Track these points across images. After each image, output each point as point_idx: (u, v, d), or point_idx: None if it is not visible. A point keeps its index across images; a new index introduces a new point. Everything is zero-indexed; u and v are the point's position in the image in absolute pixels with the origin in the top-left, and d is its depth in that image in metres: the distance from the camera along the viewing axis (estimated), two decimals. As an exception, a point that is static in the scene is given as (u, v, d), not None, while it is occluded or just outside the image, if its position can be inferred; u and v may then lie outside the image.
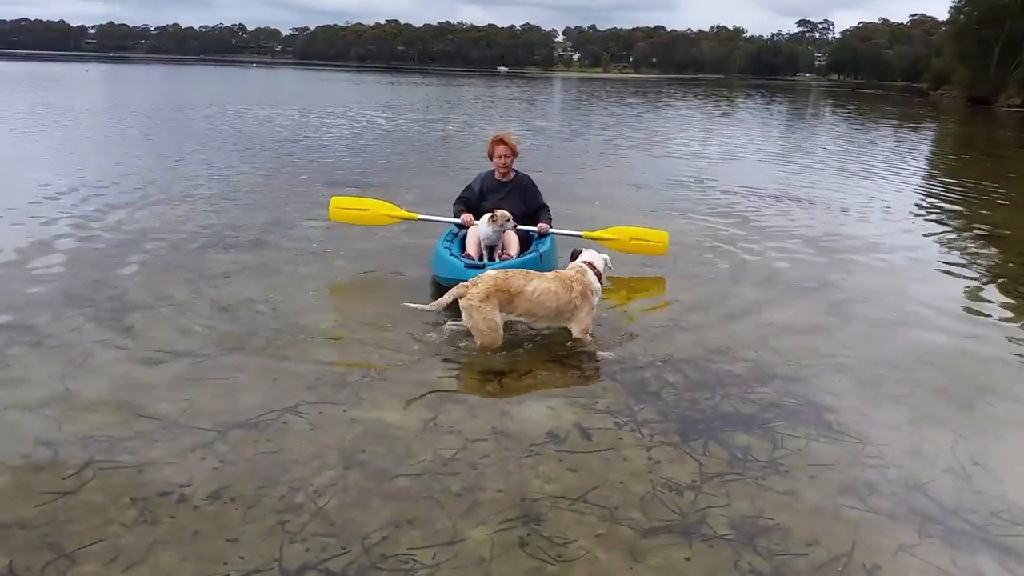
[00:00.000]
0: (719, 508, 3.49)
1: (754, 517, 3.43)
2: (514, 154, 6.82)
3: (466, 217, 6.67)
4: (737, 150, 20.33)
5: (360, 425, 4.12)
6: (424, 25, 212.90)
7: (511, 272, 5.21)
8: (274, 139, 17.99)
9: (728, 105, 47.69)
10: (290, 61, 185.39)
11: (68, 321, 5.49)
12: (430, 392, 4.54)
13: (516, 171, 6.97)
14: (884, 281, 7.46)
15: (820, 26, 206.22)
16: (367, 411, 4.28)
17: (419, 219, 7.16)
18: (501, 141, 6.76)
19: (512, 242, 6.46)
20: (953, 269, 8.11)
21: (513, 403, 4.47)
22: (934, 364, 5.38)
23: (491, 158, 6.88)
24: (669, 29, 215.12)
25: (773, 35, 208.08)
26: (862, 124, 34.42)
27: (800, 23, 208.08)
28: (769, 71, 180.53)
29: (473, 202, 6.85)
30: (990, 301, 6.96)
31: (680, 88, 75.57)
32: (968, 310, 6.68)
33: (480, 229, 6.40)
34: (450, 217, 6.90)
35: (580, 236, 7.00)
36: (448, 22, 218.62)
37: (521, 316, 5.20)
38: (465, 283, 5.15)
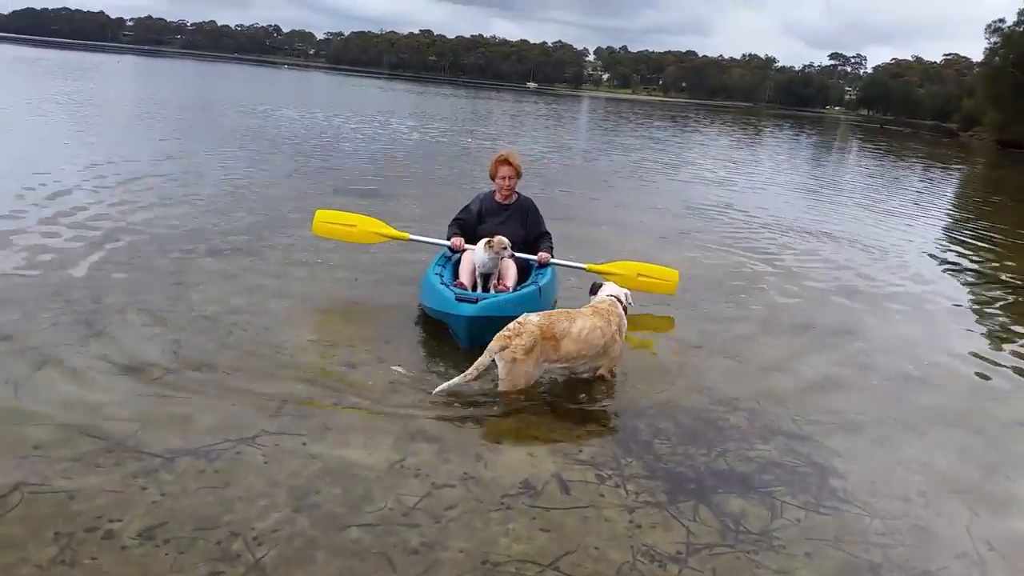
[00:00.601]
0: (704, 587, 3.13)
1: (741, 601, 3.06)
2: (518, 175, 6.41)
3: (456, 242, 6.20)
4: (763, 180, 19.93)
5: (319, 462, 3.78)
6: (457, 37, 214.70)
7: (552, 315, 4.83)
8: (293, 142, 17.80)
9: (756, 134, 47.27)
10: (322, 65, 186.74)
11: (38, 322, 5.22)
12: (402, 429, 4.18)
13: (518, 193, 6.54)
14: (908, 330, 7.04)
15: (852, 60, 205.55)
16: (329, 446, 3.93)
17: (410, 240, 6.60)
18: (506, 161, 6.32)
19: (510, 271, 5.98)
20: (983, 321, 7.70)
21: (490, 446, 4.11)
22: (954, 427, 4.98)
23: (493, 178, 6.46)
24: (701, 55, 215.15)
25: (805, 66, 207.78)
26: (892, 161, 33.89)
27: (832, 56, 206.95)
28: (798, 102, 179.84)
29: (470, 225, 6.39)
30: (1021, 357, 6.53)
31: (709, 114, 75.23)
32: (995, 365, 6.25)
33: (476, 255, 5.90)
34: (445, 240, 6.40)
35: (583, 269, 6.54)
36: (481, 35, 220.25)
37: (566, 362, 4.81)
38: (506, 332, 4.58)
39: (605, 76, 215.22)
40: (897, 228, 13.55)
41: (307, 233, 8.35)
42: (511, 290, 5.75)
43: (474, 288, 5.82)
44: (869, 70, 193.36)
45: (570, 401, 4.78)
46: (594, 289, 5.47)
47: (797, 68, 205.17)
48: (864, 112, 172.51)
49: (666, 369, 5.48)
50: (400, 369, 4.93)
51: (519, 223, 6.43)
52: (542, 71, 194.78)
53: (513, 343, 4.54)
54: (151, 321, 5.42)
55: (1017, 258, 11.69)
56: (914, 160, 35.99)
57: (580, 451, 4.13)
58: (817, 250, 10.58)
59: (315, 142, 18.17)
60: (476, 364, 4.54)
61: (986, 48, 65.21)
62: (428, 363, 5.14)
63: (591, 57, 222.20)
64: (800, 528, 3.62)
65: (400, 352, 5.27)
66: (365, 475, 3.70)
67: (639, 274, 6.60)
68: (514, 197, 6.49)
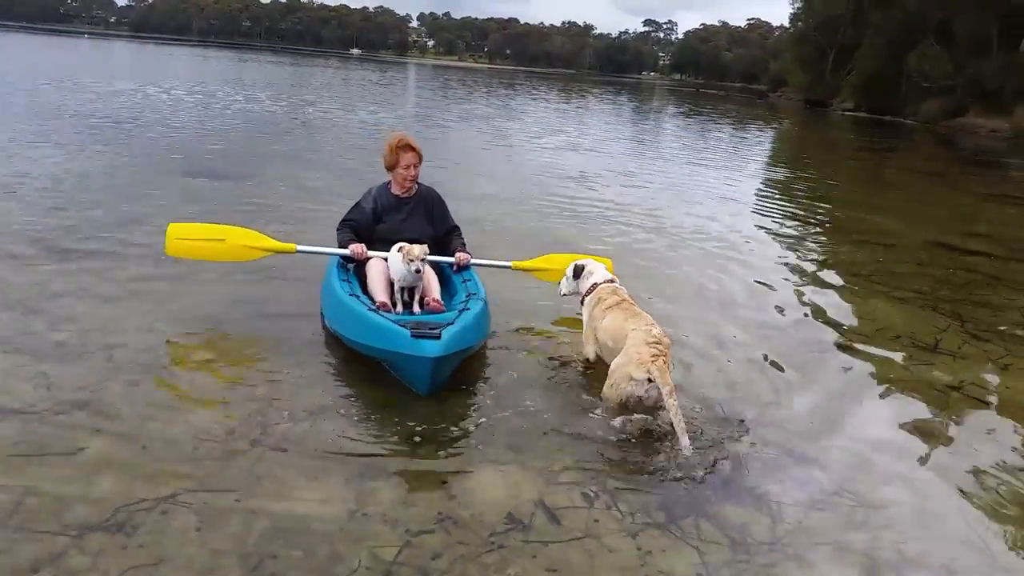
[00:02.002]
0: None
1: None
2: (421, 161, 5.45)
3: (358, 249, 5.18)
4: (599, 144, 20.11)
5: (264, 519, 3.12)
6: (272, 1, 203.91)
7: (649, 320, 4.35)
8: (120, 119, 15.80)
9: (583, 98, 48.11)
10: (126, 33, 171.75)
11: None
12: (347, 468, 3.55)
13: (419, 184, 5.58)
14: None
15: (664, 26, 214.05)
16: (269, 499, 3.27)
17: (297, 252, 5.42)
18: (408, 146, 5.31)
19: (434, 282, 5.11)
20: (790, 258, 7.94)
21: (455, 475, 3.57)
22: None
23: (391, 168, 5.40)
24: (523, 22, 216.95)
25: (620, 33, 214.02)
26: (716, 121, 35.41)
27: (646, 23, 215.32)
28: (616, 68, 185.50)
29: (364, 226, 5.39)
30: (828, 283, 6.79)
31: (539, 81, 75.95)
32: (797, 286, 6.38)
33: (394, 268, 4.95)
34: (336, 247, 5.40)
35: (509, 267, 5.74)
36: (298, 0, 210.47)
37: None
38: (651, 355, 3.95)
39: (430, 43, 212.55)
40: (740, 181, 14.01)
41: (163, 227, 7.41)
42: (456, 311, 4.72)
43: (396, 307, 4.95)
44: (680, 36, 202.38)
45: (517, 411, 4.22)
46: (578, 272, 5.03)
47: (614, 35, 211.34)
48: (677, 77, 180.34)
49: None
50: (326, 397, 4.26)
51: (425, 219, 5.51)
52: (365, 37, 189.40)
53: (660, 362, 3.94)
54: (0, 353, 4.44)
55: (829, 201, 12.38)
56: (733, 119, 37.96)
57: (555, 470, 3.67)
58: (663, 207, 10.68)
59: (144, 120, 16.18)
60: (671, 405, 3.78)
61: (791, 13, 69.69)
62: (355, 385, 4.46)
63: (415, 23, 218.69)
64: (805, 530, 3.39)
65: (315, 372, 4.57)
66: (325, 529, 3.10)
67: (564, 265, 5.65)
68: (414, 188, 5.54)
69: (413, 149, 5.34)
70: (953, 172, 22.23)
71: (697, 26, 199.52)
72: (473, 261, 5.48)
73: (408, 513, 3.26)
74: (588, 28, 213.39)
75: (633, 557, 3.11)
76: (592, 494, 3.51)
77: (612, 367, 4.16)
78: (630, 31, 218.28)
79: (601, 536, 3.22)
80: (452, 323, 4.29)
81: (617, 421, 4.06)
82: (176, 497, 3.20)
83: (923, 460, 4.15)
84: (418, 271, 4.79)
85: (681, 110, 46.28)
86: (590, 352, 4.72)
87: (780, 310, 6.55)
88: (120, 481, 3.28)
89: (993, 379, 5.33)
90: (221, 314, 5.35)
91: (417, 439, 3.85)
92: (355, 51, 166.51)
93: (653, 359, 3.94)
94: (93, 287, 5.64)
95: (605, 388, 4.15)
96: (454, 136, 19.10)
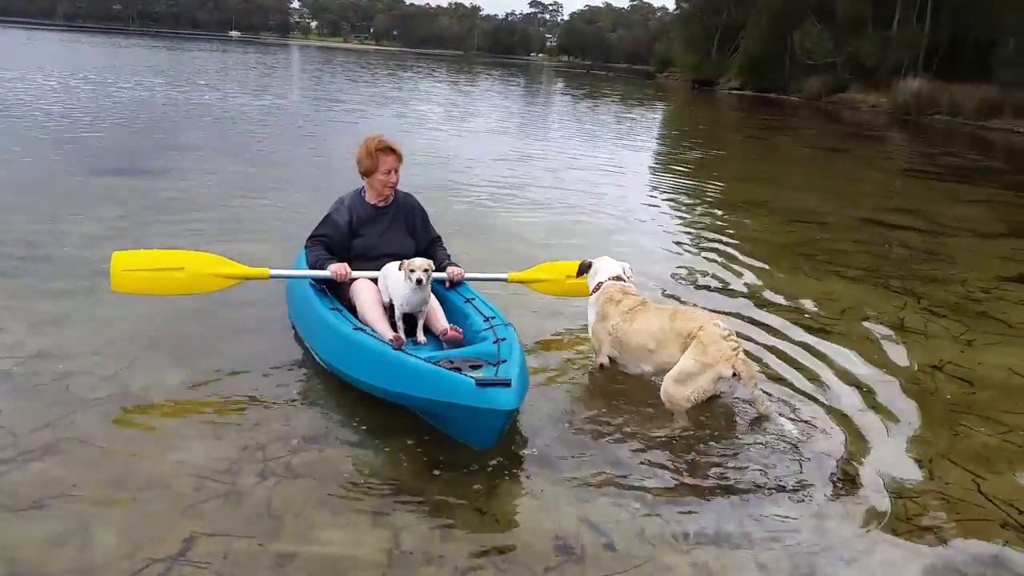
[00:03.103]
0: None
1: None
2: (401, 164, 4.86)
3: (341, 270, 4.53)
4: (505, 126, 19.95)
5: (295, 565, 2.80)
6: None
7: (707, 313, 4.35)
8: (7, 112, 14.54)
9: (488, 80, 47.79)
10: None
11: None
12: (367, 495, 3.25)
13: (396, 191, 4.98)
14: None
15: (550, 7, 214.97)
16: (295, 540, 2.93)
17: (271, 277, 4.67)
18: (389, 149, 4.71)
19: (437, 307, 4.57)
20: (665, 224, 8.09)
21: (487, 500, 3.29)
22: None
23: (368, 175, 4.77)
24: (409, 2, 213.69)
25: (507, 14, 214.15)
26: (611, 102, 35.80)
27: (532, 3, 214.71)
28: (504, 50, 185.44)
29: (338, 242, 4.75)
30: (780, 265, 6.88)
31: (432, 63, 74.92)
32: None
33: (395, 289, 4.38)
34: (308, 266, 4.71)
35: (505, 280, 5.23)
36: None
37: None
38: (732, 349, 3.98)
39: (313, 24, 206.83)
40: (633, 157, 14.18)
41: (92, 231, 6.81)
42: (462, 335, 4.32)
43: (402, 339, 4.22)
44: (566, 17, 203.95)
45: (538, 424, 3.95)
46: (584, 269, 4.82)
47: (501, 16, 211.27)
48: (564, 58, 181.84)
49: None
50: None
51: (405, 230, 4.94)
52: (244, 19, 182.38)
53: (733, 343, 4.02)
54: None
55: (752, 181, 12.70)
56: (631, 101, 38.46)
57: (592, 484, 3.45)
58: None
59: (31, 111, 14.85)
60: (760, 396, 4.05)
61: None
62: (347, 406, 4.06)
63: (296, 4, 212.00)
64: (848, 520, 3.30)
65: (301, 393, 4.20)
66: (368, 574, 2.80)
67: (569, 276, 5.23)
68: (391, 196, 4.98)
69: (394, 152, 4.73)
70: (853, 148, 23.10)
71: (582, 7, 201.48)
72: (467, 276, 4.93)
73: (450, 549, 2.98)
74: (475, 9, 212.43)
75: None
76: (634, 510, 3.30)
77: (683, 367, 3.99)
78: (517, 12, 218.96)
79: (660, 559, 3.03)
80: (503, 361, 3.69)
81: (683, 421, 4.00)
82: (191, 551, 2.82)
83: (933, 445, 4.14)
84: (420, 281, 4.22)
85: (582, 91, 46.59)
86: (604, 357, 4.51)
87: (744, 295, 6.51)
88: (120, 540, 2.86)
89: (965, 356, 5.42)
90: (180, 330, 4.85)
91: (440, 463, 3.54)
92: (234, 34, 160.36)
93: (735, 353, 3.96)
94: (24, 308, 5.02)
95: (674, 390, 4.00)
96: (376, 122, 18.45)
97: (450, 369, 3.55)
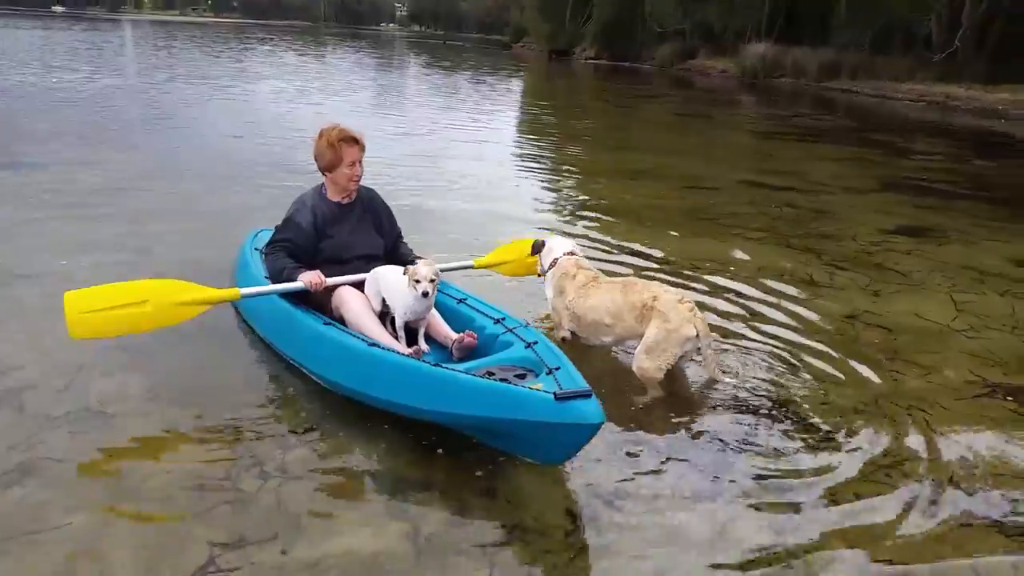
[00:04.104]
0: None
1: None
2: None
3: (314, 279, 4.14)
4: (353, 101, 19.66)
5: (326, 566, 2.76)
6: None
7: (657, 283, 4.45)
8: None
9: (354, 51, 46.52)
10: None
11: None
12: (375, 485, 3.27)
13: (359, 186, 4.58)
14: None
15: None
16: (318, 537, 2.91)
17: (242, 296, 4.23)
18: (351, 139, 4.31)
19: (436, 312, 4.26)
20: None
21: (491, 479, 3.36)
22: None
23: (330, 170, 4.35)
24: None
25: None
26: (471, 73, 35.80)
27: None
28: (353, 19, 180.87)
29: (304, 247, 4.34)
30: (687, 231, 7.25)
31: (284, 34, 72.02)
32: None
33: (396, 298, 4.08)
34: (289, 277, 4.24)
35: (472, 267, 5.05)
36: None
37: None
38: (692, 311, 4.16)
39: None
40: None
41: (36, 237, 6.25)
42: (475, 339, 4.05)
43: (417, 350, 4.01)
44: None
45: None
46: (538, 248, 4.83)
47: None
48: (416, 28, 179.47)
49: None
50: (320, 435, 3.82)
51: (374, 228, 4.60)
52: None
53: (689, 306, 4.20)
54: None
55: (633, 149, 13.34)
56: (485, 69, 38.56)
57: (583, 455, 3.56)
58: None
59: None
60: (711, 353, 4.24)
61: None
62: (326, 397, 4.00)
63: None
64: (820, 467, 3.56)
65: (276, 390, 4.09)
66: (401, 567, 2.80)
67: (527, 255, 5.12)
68: (355, 192, 4.56)
69: (357, 141, 4.33)
70: (714, 113, 24.17)
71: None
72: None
73: (472, 531, 3.04)
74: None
75: (706, 527, 3.12)
76: (633, 472, 3.45)
77: (652, 338, 4.12)
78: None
79: (664, 511, 3.20)
80: (556, 368, 3.39)
81: (655, 391, 4.17)
82: (215, 565, 2.73)
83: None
84: (426, 294, 3.91)
85: (447, 63, 46.10)
86: (565, 331, 4.61)
87: (662, 262, 6.75)
88: (137, 557, 2.75)
89: (876, 305, 5.89)
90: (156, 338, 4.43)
91: (436, 448, 3.55)
92: (58, 8, 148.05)
93: (693, 313, 4.13)
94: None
95: (647, 363, 4.11)
96: (257, 99, 17.66)
97: (500, 381, 3.30)
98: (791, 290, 6.13)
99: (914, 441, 3.88)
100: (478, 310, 4.34)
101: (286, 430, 3.62)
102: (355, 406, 3.79)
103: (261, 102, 17.34)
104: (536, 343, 3.73)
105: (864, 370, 4.67)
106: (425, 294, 3.90)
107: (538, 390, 3.12)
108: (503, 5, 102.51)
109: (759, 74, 39.84)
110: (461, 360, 3.87)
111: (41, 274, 5.41)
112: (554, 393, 3.04)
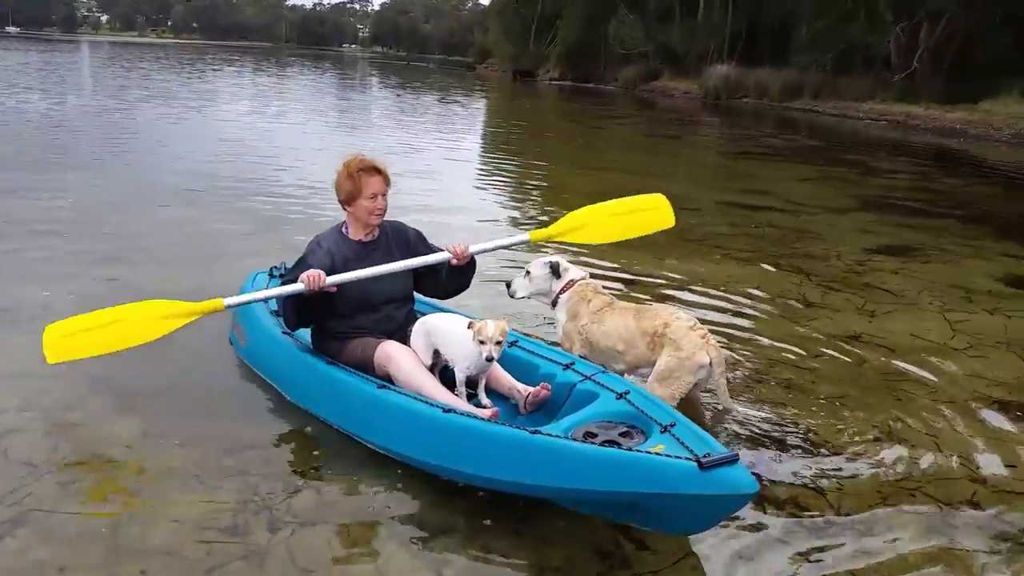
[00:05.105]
0: None
1: None
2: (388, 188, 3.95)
3: (314, 278, 3.65)
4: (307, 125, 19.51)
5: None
6: None
7: (670, 309, 4.42)
8: None
9: (321, 72, 46.27)
10: None
11: None
12: (389, 529, 3.11)
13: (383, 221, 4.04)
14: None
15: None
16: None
17: (227, 307, 3.83)
18: (374, 169, 3.85)
19: (497, 365, 3.77)
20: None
21: (516, 519, 3.20)
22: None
23: (350, 203, 3.88)
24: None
25: (316, 4, 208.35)
26: (435, 94, 35.79)
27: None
28: (315, 40, 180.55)
29: (316, 293, 3.72)
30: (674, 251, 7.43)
31: (245, 55, 71.55)
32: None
33: (458, 350, 3.68)
34: (278, 288, 3.86)
35: (527, 242, 4.37)
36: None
37: None
38: (701, 336, 4.04)
39: (104, 18, 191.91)
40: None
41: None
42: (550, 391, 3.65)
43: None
44: (377, 7, 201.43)
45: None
46: (555, 270, 4.53)
47: (309, 6, 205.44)
48: (379, 49, 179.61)
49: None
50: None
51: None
52: (23, 12, 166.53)
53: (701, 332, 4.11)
54: None
55: (609, 170, 13.43)
56: (465, 92, 38.59)
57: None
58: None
59: None
60: (722, 385, 4.09)
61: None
62: (326, 436, 3.83)
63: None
64: (842, 489, 3.48)
65: (272, 429, 3.91)
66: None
67: (613, 214, 4.50)
68: (378, 228, 4.02)
69: (379, 171, 3.87)
70: (682, 133, 24.39)
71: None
72: (473, 248, 4.02)
73: (501, 573, 2.87)
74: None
75: (736, 560, 3.01)
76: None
77: (664, 367, 4.01)
78: (325, 3, 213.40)
79: (693, 543, 3.08)
80: (671, 425, 3.01)
81: None
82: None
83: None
84: (491, 359, 3.53)
85: (414, 84, 46.03)
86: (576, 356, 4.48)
87: (657, 283, 6.68)
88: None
89: (873, 326, 5.86)
90: (105, 370, 4.16)
91: (457, 487, 3.36)
92: (12, 29, 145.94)
93: (706, 340, 4.04)
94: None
95: (661, 391, 3.93)
96: (239, 123, 17.35)
97: (597, 443, 2.96)
98: (788, 312, 6.09)
99: (927, 461, 3.84)
100: (538, 354, 3.95)
101: (295, 472, 3.45)
102: (360, 443, 3.62)
103: (233, 122, 17.12)
104: (628, 393, 3.37)
105: (873, 392, 4.63)
106: (490, 359, 3.52)
107: (666, 455, 2.76)
108: (466, 27, 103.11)
109: (722, 95, 40.35)
110: (531, 415, 3.58)
111: (18, 307, 5.17)
112: (698, 461, 2.65)
